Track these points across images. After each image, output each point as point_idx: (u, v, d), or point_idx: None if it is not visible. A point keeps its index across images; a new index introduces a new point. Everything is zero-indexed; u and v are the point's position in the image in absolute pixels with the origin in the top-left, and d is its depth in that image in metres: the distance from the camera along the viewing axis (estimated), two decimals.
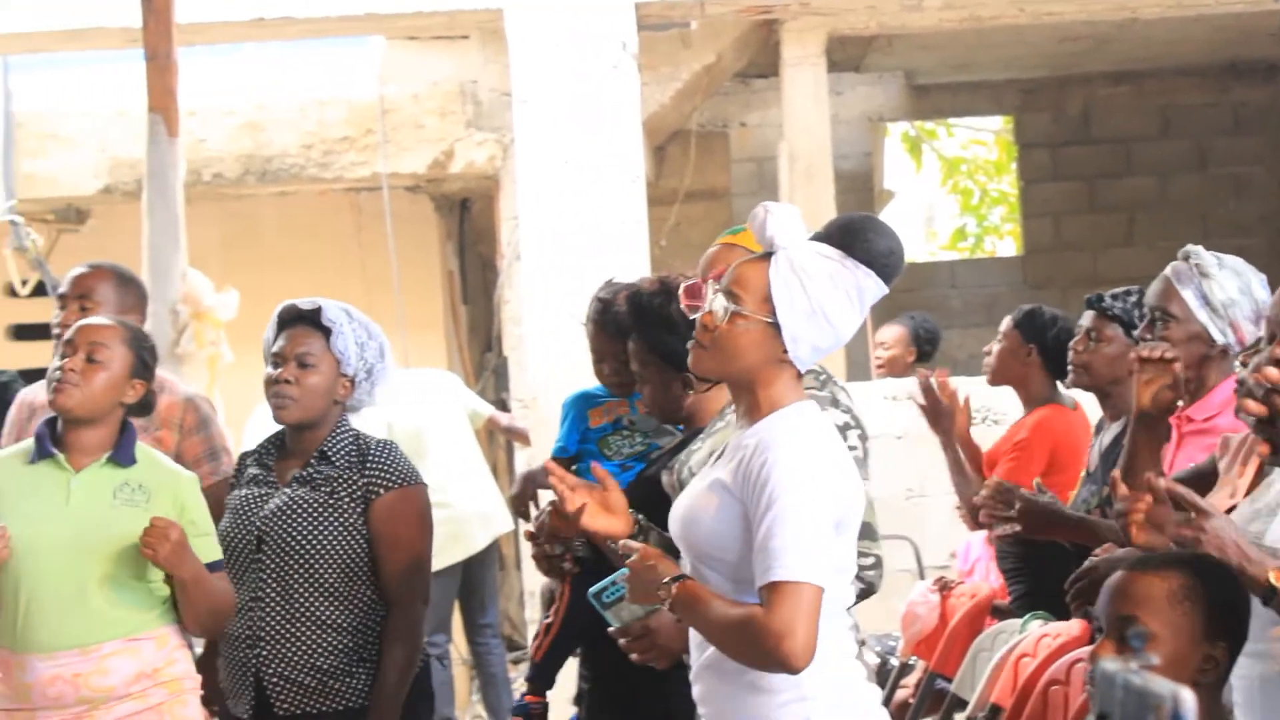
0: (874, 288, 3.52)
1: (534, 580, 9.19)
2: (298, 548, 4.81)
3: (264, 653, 4.82)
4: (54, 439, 4.75)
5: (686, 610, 3.43)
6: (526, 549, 9.60)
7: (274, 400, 4.90)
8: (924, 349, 9.69)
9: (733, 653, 3.39)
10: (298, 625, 4.82)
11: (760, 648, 3.30)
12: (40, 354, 11.36)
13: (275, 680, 4.81)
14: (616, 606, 3.77)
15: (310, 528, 4.82)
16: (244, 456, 5.10)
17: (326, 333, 4.93)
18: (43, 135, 11.08)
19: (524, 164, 8.91)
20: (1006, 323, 6.86)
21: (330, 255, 11.98)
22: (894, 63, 13.42)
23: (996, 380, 6.92)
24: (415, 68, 10.87)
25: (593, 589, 3.78)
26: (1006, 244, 18.94)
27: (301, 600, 4.82)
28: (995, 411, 8.61)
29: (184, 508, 4.70)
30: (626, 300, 4.62)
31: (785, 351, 3.49)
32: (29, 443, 4.79)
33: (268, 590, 4.83)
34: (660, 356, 3.70)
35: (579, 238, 8.68)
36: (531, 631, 9.76)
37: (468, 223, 12.60)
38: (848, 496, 3.44)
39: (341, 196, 12.00)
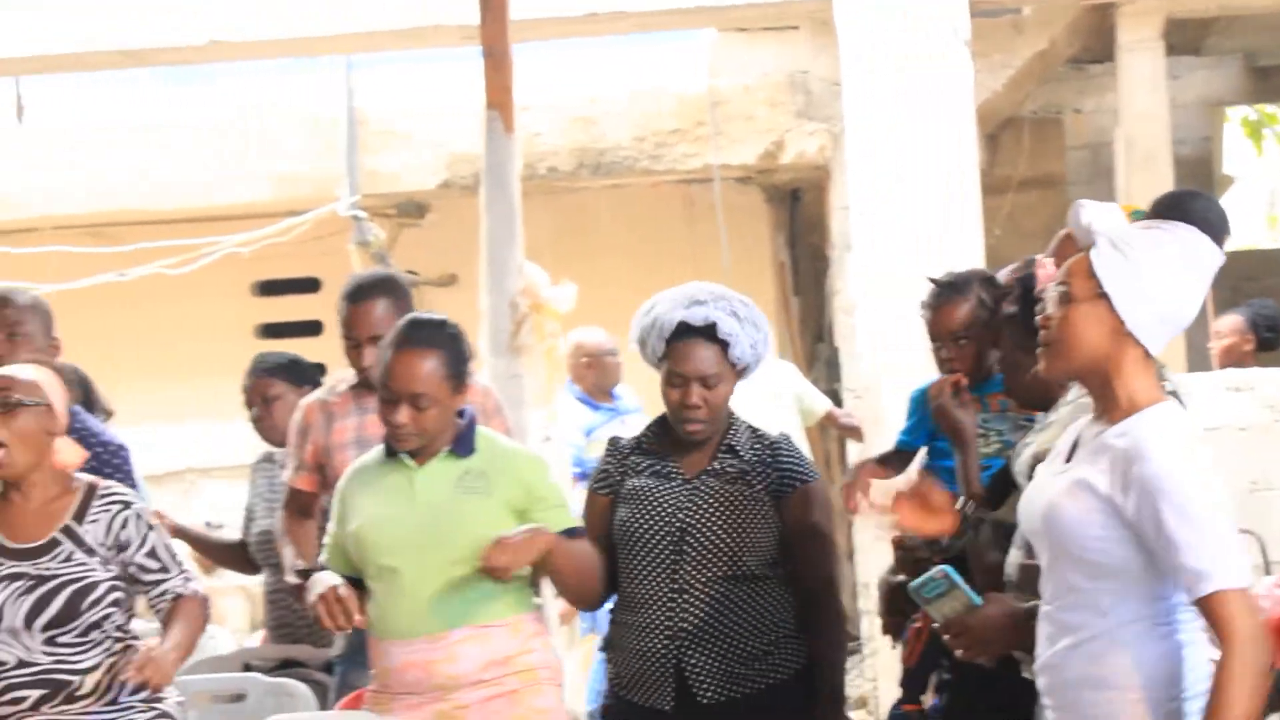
0: (1201, 245, 3.49)
1: (867, 572, 9.16)
2: (722, 540, 4.84)
3: (686, 644, 4.84)
4: None
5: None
6: (860, 541, 9.63)
7: (688, 424, 4.89)
8: (1264, 336, 9.38)
9: (1255, 682, 3.34)
10: (720, 614, 4.84)
11: (1264, 655, 3.35)
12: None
13: (699, 670, 4.84)
14: (938, 601, 3.76)
15: (733, 520, 4.85)
16: (615, 440, 5.12)
17: (723, 345, 4.91)
18: (384, 132, 11.37)
19: (855, 154, 8.88)
20: None
21: (661, 247, 12.08)
22: (1234, 45, 13.07)
23: None
24: (745, 59, 10.91)
25: (913, 584, 3.77)
26: None
27: (723, 590, 4.85)
28: None
29: (529, 486, 4.76)
30: (1017, 283, 4.55)
31: (1125, 326, 3.46)
32: (380, 449, 4.88)
33: (691, 581, 4.85)
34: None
35: (911, 227, 8.62)
36: (865, 623, 9.74)
37: (798, 213, 12.60)
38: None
39: (673, 188, 12.08)
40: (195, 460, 11.42)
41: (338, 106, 11.39)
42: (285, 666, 6.08)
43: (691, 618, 4.84)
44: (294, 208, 11.54)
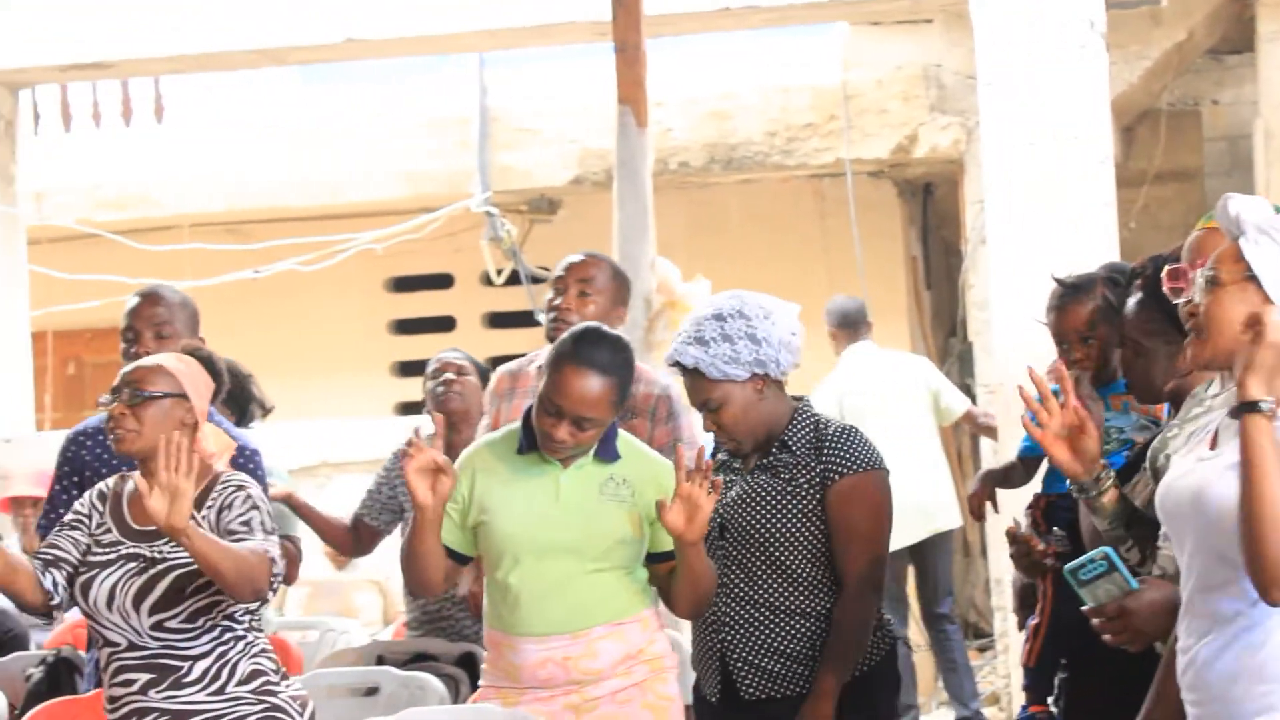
0: None
1: (1000, 567, 9.09)
2: (758, 535, 4.81)
3: (729, 638, 4.84)
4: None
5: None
6: (992, 537, 9.56)
7: (721, 443, 4.93)
8: None
9: None
10: (761, 611, 4.82)
11: None
12: (515, 341, 11.72)
13: (740, 665, 4.83)
14: (1093, 585, 3.67)
15: (770, 515, 4.81)
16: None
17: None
18: (516, 129, 11.43)
19: (989, 147, 8.80)
20: None
21: (793, 242, 12.05)
22: None
23: None
24: (878, 52, 10.86)
25: (1069, 565, 3.68)
26: None
27: (764, 586, 4.81)
28: None
29: (666, 493, 4.66)
30: (1147, 264, 4.49)
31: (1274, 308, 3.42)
32: (514, 428, 4.84)
33: (731, 576, 4.84)
34: (1171, 323, 3.65)
35: (1045, 221, 8.53)
36: (998, 619, 9.67)
37: (931, 207, 12.53)
38: None
39: (804, 183, 12.05)
40: (329, 455, 11.51)
41: (470, 103, 11.46)
42: (418, 660, 6.11)
43: (733, 611, 4.83)
44: (427, 204, 11.62)
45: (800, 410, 4.92)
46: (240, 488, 4.76)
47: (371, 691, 5.63)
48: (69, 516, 4.84)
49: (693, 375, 4.82)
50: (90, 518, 4.81)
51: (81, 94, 11.97)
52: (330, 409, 12.02)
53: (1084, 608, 3.67)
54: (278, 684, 4.77)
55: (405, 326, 13.06)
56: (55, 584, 4.71)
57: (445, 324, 12.89)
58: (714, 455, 5.07)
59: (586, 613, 4.72)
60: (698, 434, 5.75)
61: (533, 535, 4.73)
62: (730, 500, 4.87)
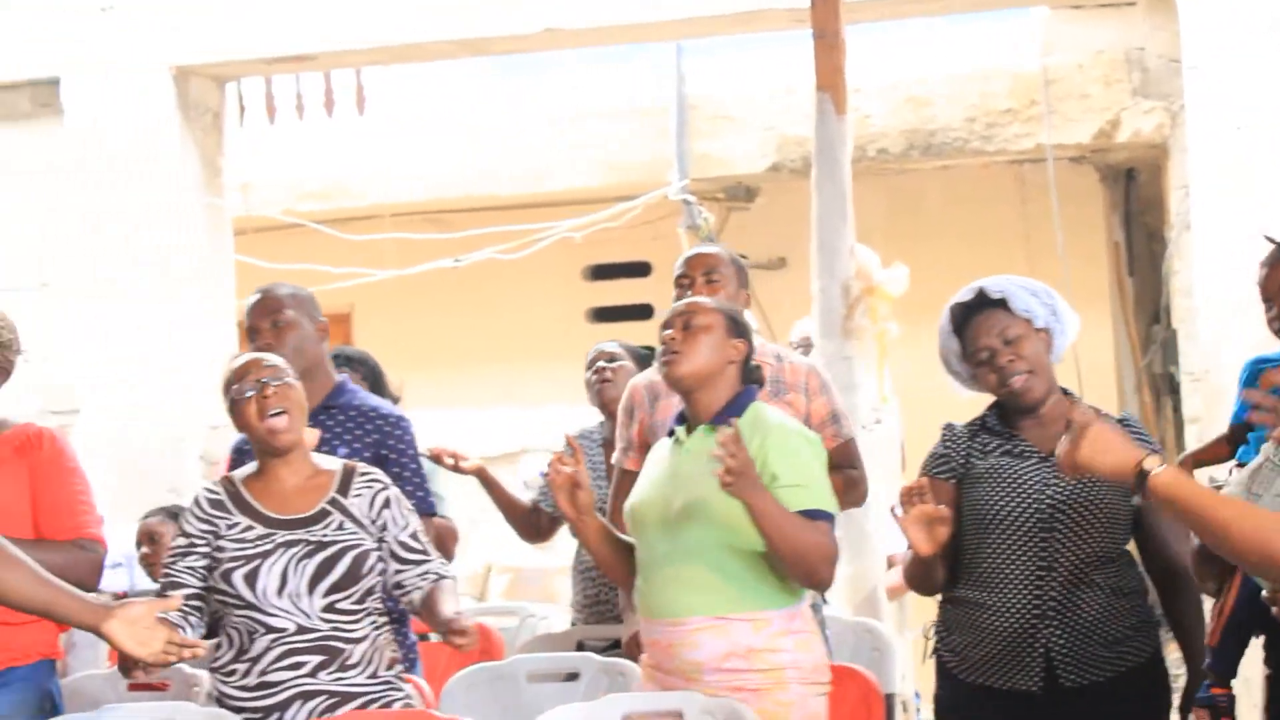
0: None
1: None
2: (1092, 518, 4.80)
3: (1053, 626, 4.79)
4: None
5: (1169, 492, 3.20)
6: None
7: (1016, 389, 4.90)
8: None
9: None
10: (1087, 594, 4.79)
11: None
12: None
13: (1065, 653, 4.79)
14: None
15: (1099, 497, 4.79)
16: (950, 425, 5.09)
17: (1003, 305, 4.92)
18: (714, 116, 11.43)
19: (1194, 132, 8.66)
20: None
21: (994, 228, 11.95)
22: None
23: None
24: (1079, 36, 10.73)
25: None
26: None
27: (1090, 570, 4.79)
28: None
29: (767, 460, 4.61)
30: None
31: None
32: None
33: (1058, 562, 4.80)
34: None
35: (1251, 207, 8.38)
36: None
37: (1134, 193, 12.35)
38: None
39: (1004, 169, 11.94)
40: (529, 441, 11.61)
41: (668, 92, 11.48)
42: (619, 646, 6.13)
43: (1056, 597, 4.79)
44: (625, 193, 11.67)
45: (1071, 394, 4.99)
46: (385, 486, 4.92)
47: (572, 677, 5.65)
48: (177, 548, 4.88)
49: (995, 309, 4.90)
50: (211, 528, 4.87)
51: (285, 86, 12.15)
52: (530, 396, 12.11)
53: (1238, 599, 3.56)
54: (403, 673, 4.95)
55: (603, 314, 13.12)
56: (194, 626, 4.76)
57: (643, 312, 12.92)
58: (956, 437, 5.01)
59: (684, 601, 4.64)
60: (844, 407, 5.78)
61: (646, 508, 4.76)
62: (1055, 483, 4.83)
